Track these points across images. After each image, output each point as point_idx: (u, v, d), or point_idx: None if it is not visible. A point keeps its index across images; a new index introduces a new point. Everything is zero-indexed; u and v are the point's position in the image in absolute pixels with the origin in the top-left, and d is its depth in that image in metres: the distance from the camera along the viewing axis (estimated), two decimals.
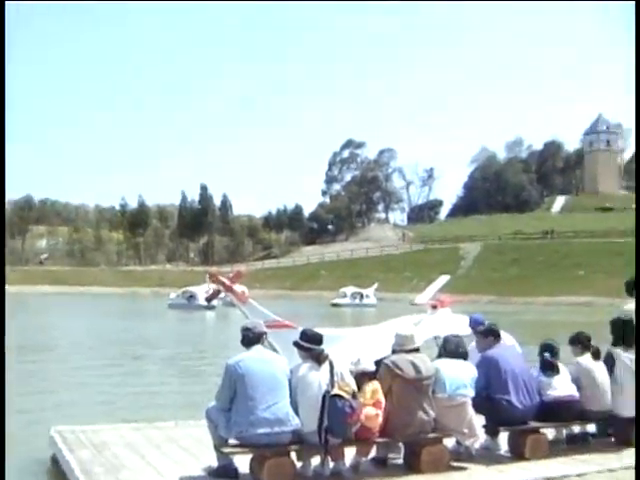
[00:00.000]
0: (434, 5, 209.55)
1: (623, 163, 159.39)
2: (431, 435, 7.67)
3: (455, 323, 10.84)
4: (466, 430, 7.85)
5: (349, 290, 74.73)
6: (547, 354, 8.60)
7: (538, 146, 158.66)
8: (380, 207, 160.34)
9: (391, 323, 10.32)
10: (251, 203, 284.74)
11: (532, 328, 35.09)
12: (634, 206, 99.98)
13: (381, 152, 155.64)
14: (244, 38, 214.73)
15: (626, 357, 8.73)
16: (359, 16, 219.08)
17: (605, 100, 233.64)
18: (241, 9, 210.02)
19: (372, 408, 7.30)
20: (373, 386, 7.45)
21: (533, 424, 8.31)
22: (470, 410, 7.90)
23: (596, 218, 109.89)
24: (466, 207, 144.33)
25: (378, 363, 7.71)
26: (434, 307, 12.26)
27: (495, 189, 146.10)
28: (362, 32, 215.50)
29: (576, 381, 8.56)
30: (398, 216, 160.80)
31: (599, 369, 8.65)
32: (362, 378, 7.51)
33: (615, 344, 8.87)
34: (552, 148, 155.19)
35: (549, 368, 8.52)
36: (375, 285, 76.68)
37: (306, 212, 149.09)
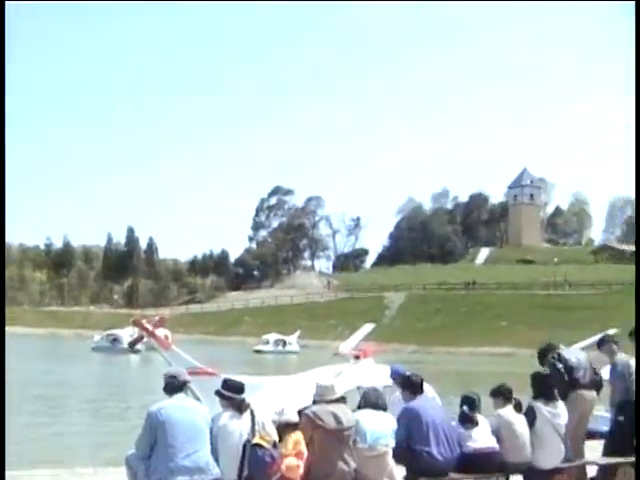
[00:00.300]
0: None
1: (546, 217, 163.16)
2: None
3: (377, 373, 10.88)
4: None
5: (272, 337, 74.50)
6: (465, 407, 8.65)
7: (464, 198, 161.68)
8: (306, 254, 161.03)
9: (313, 373, 10.30)
10: (177, 247, 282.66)
11: (455, 378, 35.39)
12: (555, 260, 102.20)
13: (308, 200, 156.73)
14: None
15: (547, 411, 8.84)
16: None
17: (530, 155, 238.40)
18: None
19: (293, 459, 7.24)
20: (296, 437, 7.40)
21: (453, 475, 8.30)
22: (390, 461, 7.89)
23: (519, 270, 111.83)
24: (392, 257, 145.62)
25: (300, 413, 7.68)
26: (357, 357, 12.30)
27: (421, 239, 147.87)
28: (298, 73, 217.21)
29: (496, 433, 8.61)
30: (324, 264, 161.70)
31: (520, 422, 8.72)
32: (285, 428, 7.46)
33: (536, 397, 8.97)
34: (477, 200, 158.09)
35: (467, 421, 8.58)
36: (298, 332, 76.63)
37: (232, 257, 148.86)
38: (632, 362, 9.94)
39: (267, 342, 73.55)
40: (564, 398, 9.06)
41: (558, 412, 8.90)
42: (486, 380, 8.44)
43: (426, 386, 9.17)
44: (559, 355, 9.55)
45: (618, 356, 10.07)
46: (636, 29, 12.19)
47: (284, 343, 73.23)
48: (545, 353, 9.78)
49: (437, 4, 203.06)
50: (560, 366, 9.37)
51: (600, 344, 10.49)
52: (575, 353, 9.98)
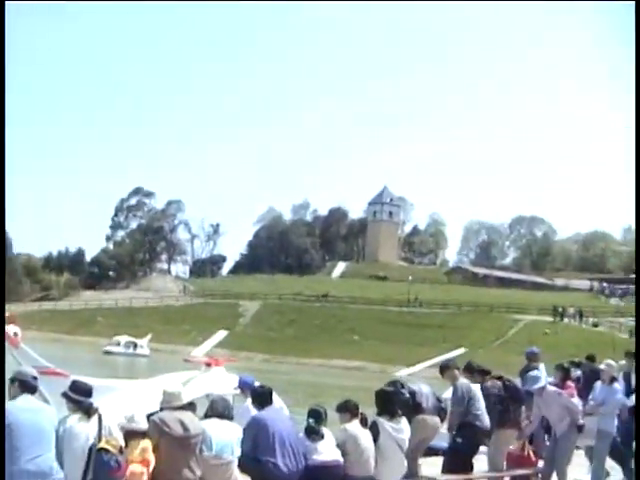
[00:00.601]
0: None
1: (403, 235, 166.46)
2: None
3: (228, 382, 10.94)
4: None
5: (123, 339, 73.40)
6: (312, 420, 8.79)
7: (324, 211, 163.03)
8: (163, 258, 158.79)
9: (164, 378, 10.25)
10: (32, 242, 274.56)
11: (306, 390, 35.63)
12: (410, 278, 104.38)
13: (169, 203, 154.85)
14: None
15: (390, 426, 9.10)
16: None
17: (391, 173, 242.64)
18: None
19: (138, 465, 7.20)
20: (143, 444, 7.36)
21: None
22: (235, 470, 7.94)
23: (374, 286, 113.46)
24: (249, 265, 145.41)
25: (147, 419, 7.64)
26: (208, 365, 12.31)
27: (279, 249, 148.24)
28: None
29: (342, 446, 8.78)
30: (180, 268, 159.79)
31: (365, 436, 8.90)
32: (133, 435, 7.41)
33: (380, 414, 9.22)
34: (337, 214, 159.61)
35: (313, 433, 8.73)
36: (149, 336, 75.78)
37: (89, 256, 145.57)
38: (473, 387, 10.46)
39: (118, 344, 72.39)
40: (409, 422, 9.38)
41: (401, 427, 9.19)
42: (335, 393, 8.56)
43: (275, 397, 9.29)
44: (402, 384, 9.90)
45: (459, 381, 10.50)
46: (636, 29, 12.63)
47: (135, 346, 72.27)
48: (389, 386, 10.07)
49: None
50: (404, 392, 9.69)
51: (442, 370, 10.89)
52: (418, 383, 10.41)
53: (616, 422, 12.04)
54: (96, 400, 7.31)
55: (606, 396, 11.85)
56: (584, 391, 13.07)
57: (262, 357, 73.86)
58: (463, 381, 10.52)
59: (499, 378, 11.05)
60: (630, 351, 14.74)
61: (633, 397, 12.06)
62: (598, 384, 12.29)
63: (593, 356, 15.11)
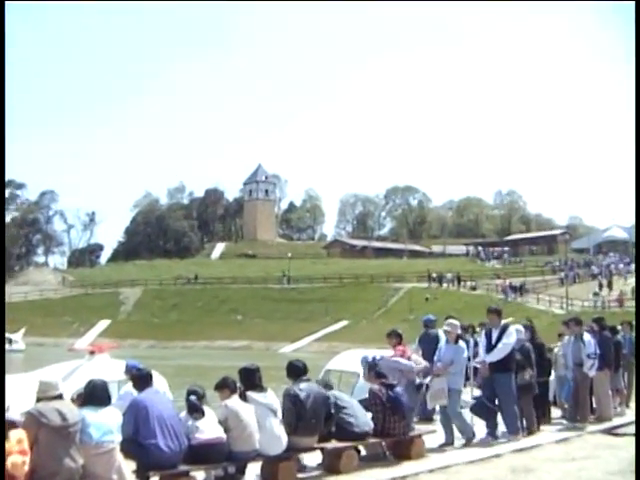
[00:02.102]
0: None
1: (280, 212, 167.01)
2: None
3: (113, 368, 10.80)
4: (115, 476, 7.76)
5: None
6: (193, 397, 8.78)
7: (200, 193, 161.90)
8: (40, 250, 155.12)
9: (48, 370, 10.05)
10: None
11: (193, 373, 35.44)
12: (289, 254, 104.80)
13: (42, 194, 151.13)
14: None
15: (260, 397, 9.21)
16: None
17: (264, 151, 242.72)
18: None
19: (18, 456, 7.03)
20: (19, 435, 7.17)
21: (182, 467, 8.40)
22: (119, 456, 7.84)
23: (254, 265, 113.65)
24: (127, 252, 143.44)
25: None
26: (92, 353, 12.15)
27: (157, 234, 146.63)
28: None
29: (224, 423, 8.79)
30: (58, 260, 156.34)
31: (247, 411, 8.96)
32: (10, 426, 7.22)
33: (247, 389, 9.26)
34: (213, 195, 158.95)
35: (195, 410, 8.69)
36: (23, 330, 73.90)
37: None
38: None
39: None
40: None
41: (270, 401, 9.29)
42: (221, 374, 8.52)
43: (160, 380, 9.20)
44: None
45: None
46: (636, 29, 12.69)
47: (10, 341, 70.38)
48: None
49: None
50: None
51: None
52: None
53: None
54: None
55: (453, 355, 12.21)
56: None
57: (147, 343, 73.12)
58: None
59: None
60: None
61: (496, 352, 12.35)
62: (442, 345, 12.67)
63: (450, 317, 15.61)
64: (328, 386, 10.52)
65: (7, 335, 70.32)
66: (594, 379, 14.45)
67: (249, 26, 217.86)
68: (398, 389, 10.91)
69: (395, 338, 13.31)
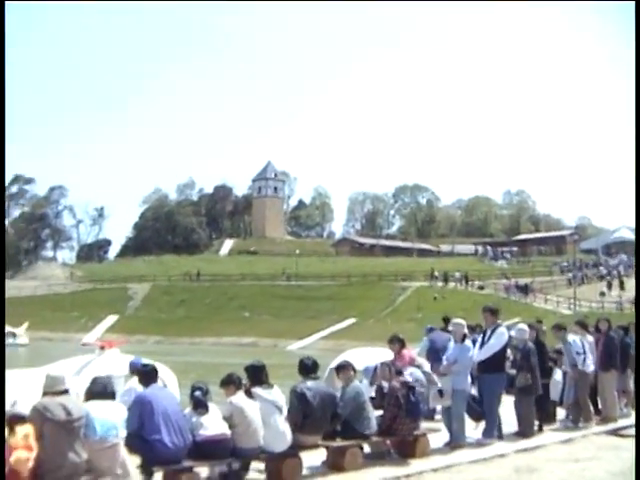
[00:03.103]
0: None
1: (289, 210, 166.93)
2: (84, 478, 7.57)
3: (123, 363, 10.86)
4: (120, 471, 7.82)
5: None
6: (198, 393, 8.81)
7: (209, 189, 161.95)
8: (49, 245, 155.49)
9: (59, 364, 10.12)
10: None
11: (198, 369, 35.49)
12: (298, 252, 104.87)
13: (51, 189, 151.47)
14: None
15: (265, 393, 9.24)
16: None
17: (273, 149, 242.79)
18: None
19: (23, 451, 7.08)
20: (25, 430, 7.22)
21: (186, 463, 8.44)
22: (122, 451, 7.89)
23: (262, 262, 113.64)
24: (136, 247, 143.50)
25: None
26: (102, 348, 12.25)
27: (165, 230, 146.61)
28: None
29: (229, 419, 8.83)
30: (67, 255, 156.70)
31: (251, 407, 8.99)
32: (16, 421, 7.27)
33: (253, 385, 9.29)
34: (222, 192, 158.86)
35: (200, 406, 8.72)
36: (26, 324, 73.94)
37: None
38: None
39: None
40: None
41: (275, 397, 9.32)
42: (228, 370, 8.56)
43: (170, 376, 9.25)
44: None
45: (353, 383, 10.58)
46: (636, 29, 12.77)
47: (13, 335, 70.43)
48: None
49: None
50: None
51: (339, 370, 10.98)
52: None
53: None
54: None
55: (458, 355, 12.07)
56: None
57: (155, 339, 73.18)
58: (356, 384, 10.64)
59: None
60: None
61: (481, 352, 12.34)
62: (451, 344, 12.55)
63: (446, 317, 15.58)
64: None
65: (10, 329, 70.46)
66: (600, 380, 14.47)
67: (252, 23, 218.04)
68: (418, 392, 10.93)
69: (397, 344, 13.08)
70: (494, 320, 12.68)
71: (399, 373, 11.10)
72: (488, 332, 12.51)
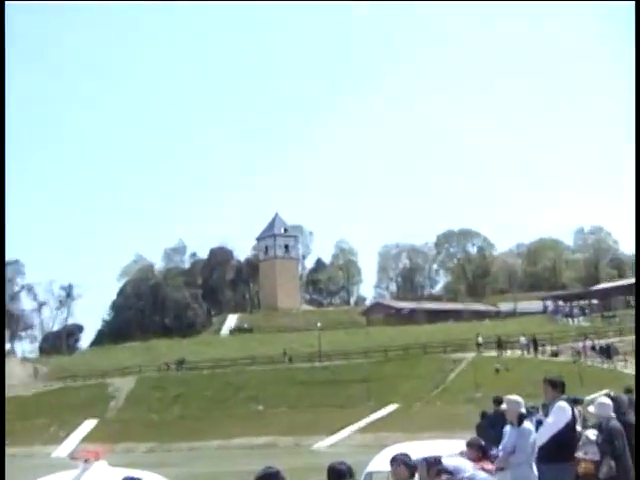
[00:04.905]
0: None
1: (305, 272, 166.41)
2: None
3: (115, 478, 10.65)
4: None
5: None
6: None
7: (203, 254, 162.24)
8: (6, 336, 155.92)
9: None
10: None
11: None
12: (319, 324, 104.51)
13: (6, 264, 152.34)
14: None
15: None
16: None
17: (280, 198, 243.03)
18: None
19: None
20: None
21: None
22: None
23: (276, 339, 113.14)
24: (115, 332, 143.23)
25: None
26: (87, 461, 11.98)
27: (152, 308, 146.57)
28: None
29: None
30: (27, 347, 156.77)
31: None
32: None
33: None
34: (220, 256, 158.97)
35: None
36: None
37: None
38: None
39: None
40: None
41: None
42: None
43: None
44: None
45: None
46: (636, 29, 13.42)
47: None
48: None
49: None
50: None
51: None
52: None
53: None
54: None
55: (516, 441, 11.76)
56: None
57: (145, 446, 72.89)
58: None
59: None
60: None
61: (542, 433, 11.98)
62: (507, 428, 12.24)
63: (499, 398, 15.29)
64: None
65: None
66: None
67: (250, 64, 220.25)
68: None
69: (477, 451, 12.71)
70: (555, 395, 12.34)
71: (445, 473, 10.60)
72: (549, 409, 12.23)
